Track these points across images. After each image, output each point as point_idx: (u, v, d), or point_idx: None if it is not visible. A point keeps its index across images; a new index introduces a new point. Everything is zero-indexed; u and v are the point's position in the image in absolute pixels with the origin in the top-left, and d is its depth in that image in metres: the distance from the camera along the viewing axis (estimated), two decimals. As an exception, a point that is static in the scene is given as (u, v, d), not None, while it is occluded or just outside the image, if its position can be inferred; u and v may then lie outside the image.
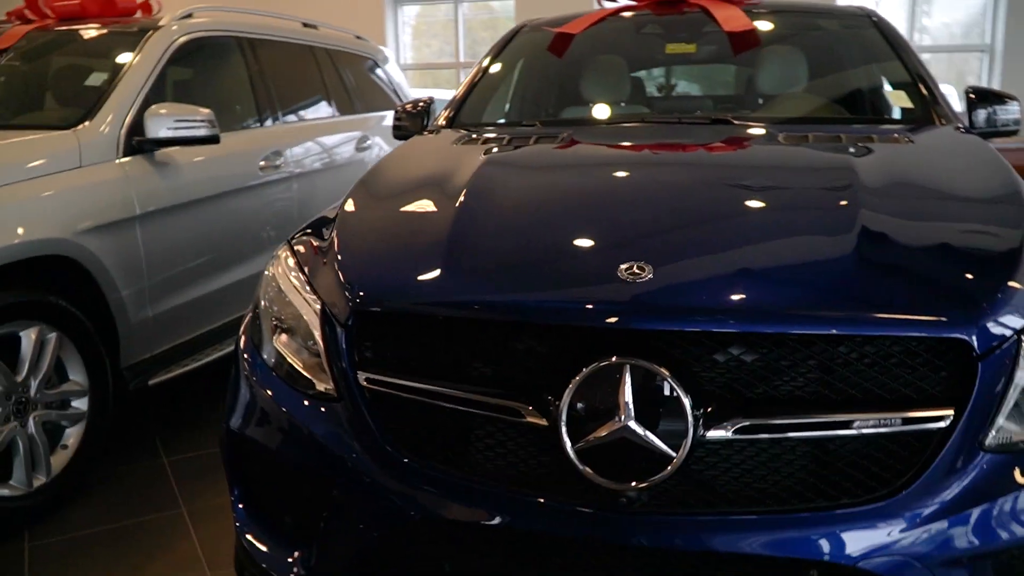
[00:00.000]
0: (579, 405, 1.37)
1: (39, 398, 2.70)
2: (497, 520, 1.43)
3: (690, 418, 1.33)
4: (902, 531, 1.32)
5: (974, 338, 1.34)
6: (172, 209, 3.21)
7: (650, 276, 1.45)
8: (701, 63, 3.25)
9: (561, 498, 1.40)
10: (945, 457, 1.33)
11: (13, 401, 2.62)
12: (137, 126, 3.13)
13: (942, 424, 1.34)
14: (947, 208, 1.77)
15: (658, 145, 2.33)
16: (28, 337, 2.64)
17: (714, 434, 1.34)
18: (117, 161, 3.04)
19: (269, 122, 4.01)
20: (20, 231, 2.60)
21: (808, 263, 1.50)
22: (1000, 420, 1.36)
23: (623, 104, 3.01)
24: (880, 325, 1.35)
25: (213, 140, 3.25)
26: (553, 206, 1.85)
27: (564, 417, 1.37)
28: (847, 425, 1.34)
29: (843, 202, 1.70)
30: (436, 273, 1.58)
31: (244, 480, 1.81)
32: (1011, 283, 1.44)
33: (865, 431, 1.34)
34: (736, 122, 2.48)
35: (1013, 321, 1.38)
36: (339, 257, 1.71)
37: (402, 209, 1.93)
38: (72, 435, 2.85)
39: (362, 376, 1.54)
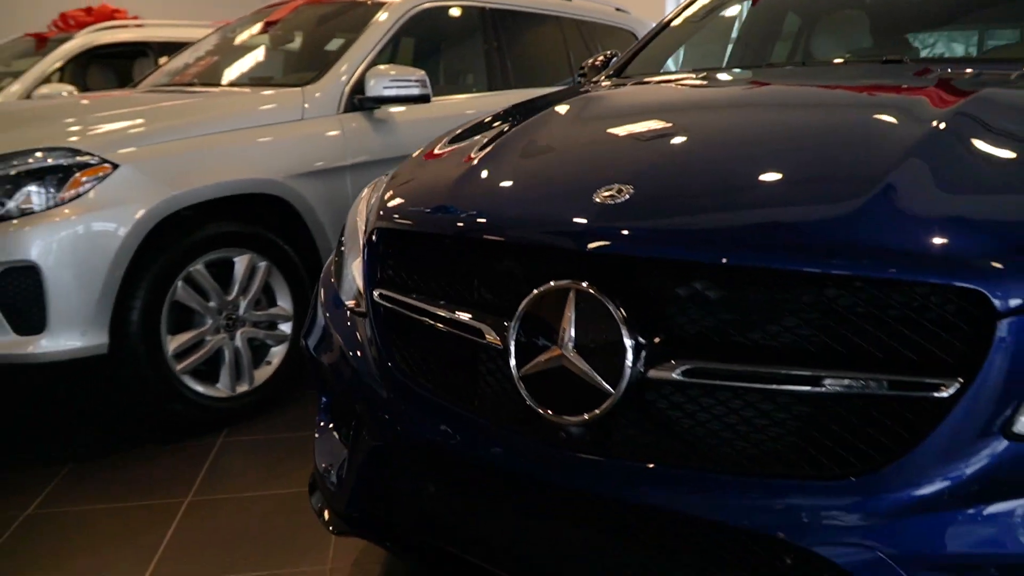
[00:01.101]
0: (527, 328, 1.30)
1: (247, 317, 3.13)
2: (462, 446, 1.41)
3: (629, 352, 1.20)
4: (870, 518, 1.07)
5: (995, 291, 1.04)
6: (381, 162, 3.50)
7: (623, 199, 1.32)
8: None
9: (512, 427, 1.34)
10: (938, 437, 1.05)
11: (223, 316, 3.06)
12: (360, 86, 3.47)
13: (942, 395, 1.06)
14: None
15: (770, 85, 2.07)
16: (241, 263, 3.07)
17: (658, 374, 1.20)
18: (336, 116, 3.39)
19: (498, 89, 4.19)
20: (241, 170, 3.02)
21: (814, 199, 1.26)
22: None
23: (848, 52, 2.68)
24: (877, 265, 1.10)
25: (424, 99, 3.50)
26: (584, 140, 1.75)
27: (513, 339, 1.31)
28: (819, 382, 1.11)
29: (893, 145, 1.37)
30: (440, 195, 1.59)
31: (319, 393, 1.96)
32: None
33: (840, 391, 1.10)
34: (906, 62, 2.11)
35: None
36: (386, 184, 1.78)
37: (460, 144, 1.94)
38: (276, 354, 3.26)
39: (376, 292, 1.60)
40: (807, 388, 1.12)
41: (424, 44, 4.07)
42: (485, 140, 1.84)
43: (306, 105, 3.32)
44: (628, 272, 1.24)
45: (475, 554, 1.44)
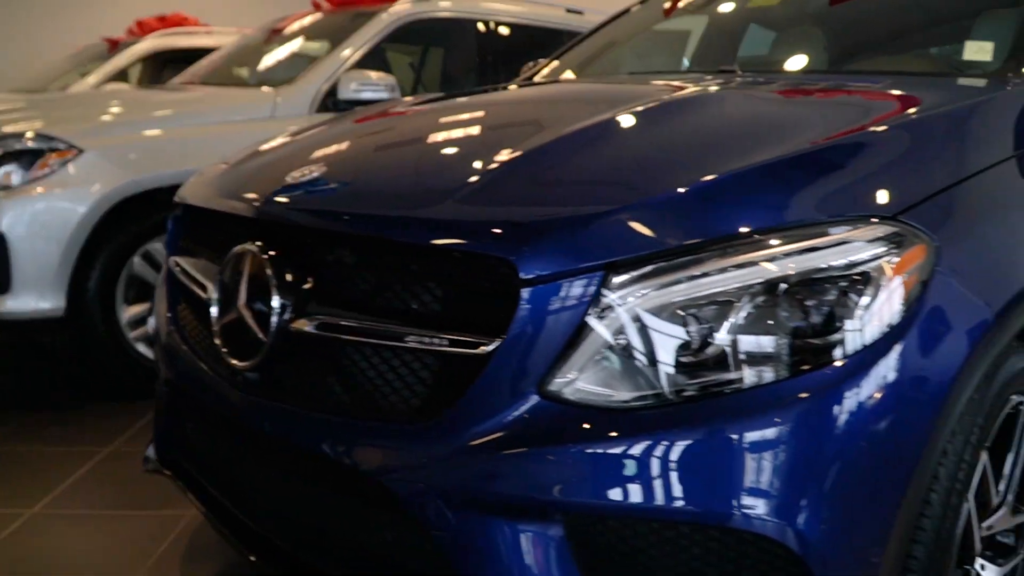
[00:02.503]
0: (227, 286, 1.50)
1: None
2: (197, 389, 1.62)
3: (276, 307, 1.38)
4: (424, 457, 1.21)
5: (520, 261, 1.16)
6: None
7: (295, 181, 1.52)
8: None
9: (217, 372, 1.54)
10: (478, 389, 1.18)
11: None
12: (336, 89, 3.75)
13: (481, 351, 1.18)
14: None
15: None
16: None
17: (298, 326, 1.37)
18: (307, 116, 3.68)
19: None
20: (201, 159, 3.32)
21: (419, 183, 1.46)
22: (571, 370, 1.16)
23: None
24: (427, 234, 1.27)
25: (391, 103, 3.74)
26: (332, 138, 1.93)
27: (215, 295, 1.51)
28: (402, 339, 1.26)
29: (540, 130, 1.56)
30: (219, 177, 1.81)
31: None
32: (594, 211, 1.22)
33: (416, 347, 1.25)
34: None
35: (587, 253, 1.16)
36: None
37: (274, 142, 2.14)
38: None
39: (172, 260, 1.84)
40: (393, 343, 1.27)
41: (415, 52, 4.32)
42: (284, 139, 2.06)
43: (277, 103, 3.62)
44: (284, 239, 1.43)
45: (215, 486, 1.65)
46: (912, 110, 1.55)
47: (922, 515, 1.22)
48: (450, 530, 1.18)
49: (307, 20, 4.50)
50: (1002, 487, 1.48)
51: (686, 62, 3.08)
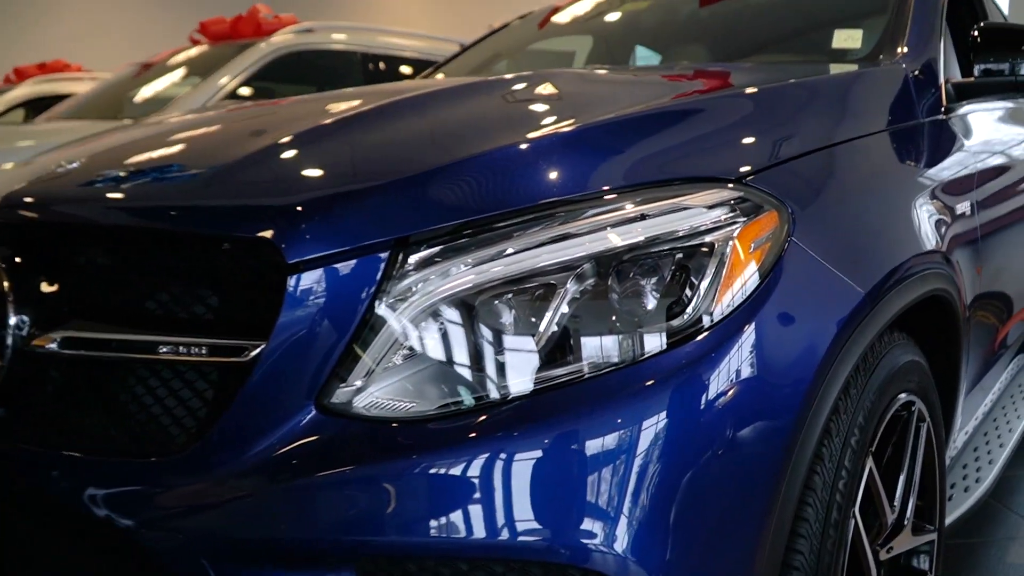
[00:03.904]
0: None
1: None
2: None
3: (13, 323, 1.11)
4: (181, 500, 0.95)
5: (284, 241, 0.93)
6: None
7: (57, 176, 1.27)
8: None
9: None
10: (241, 408, 0.93)
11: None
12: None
13: (245, 359, 0.94)
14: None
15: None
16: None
17: (40, 345, 1.10)
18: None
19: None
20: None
21: (186, 172, 1.20)
22: (357, 376, 0.93)
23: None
24: (180, 221, 1.03)
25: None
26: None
27: None
28: (155, 350, 1.01)
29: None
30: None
31: None
32: (379, 181, 1.01)
33: (174, 359, 0.99)
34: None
35: (369, 228, 0.94)
36: None
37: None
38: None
39: None
40: (149, 357, 1.01)
41: (293, 83, 4.12)
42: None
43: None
44: (29, 241, 1.17)
45: None
46: (766, 82, 1.40)
47: (796, 534, 1.01)
48: None
49: (183, 55, 4.27)
50: (897, 502, 1.29)
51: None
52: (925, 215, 1.36)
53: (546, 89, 1.46)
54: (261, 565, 0.93)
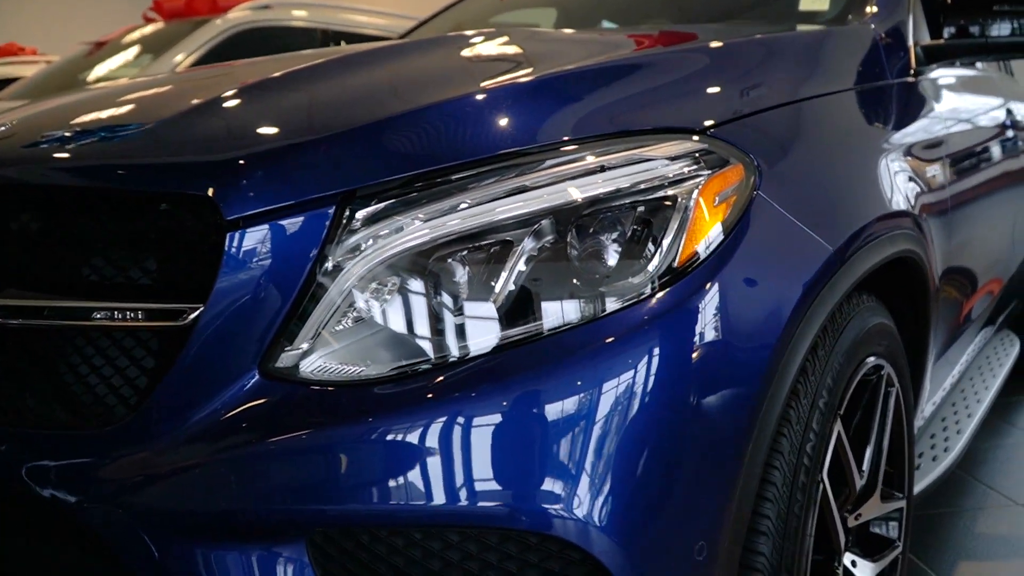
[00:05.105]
0: None
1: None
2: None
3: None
4: (119, 473, 0.90)
5: (221, 196, 0.87)
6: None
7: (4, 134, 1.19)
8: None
9: None
10: (178, 375, 0.88)
11: None
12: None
13: (182, 323, 0.88)
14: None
15: None
16: None
17: None
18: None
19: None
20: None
21: (123, 130, 1.13)
22: (304, 339, 0.87)
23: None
24: (114, 178, 0.97)
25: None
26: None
27: None
28: (89, 316, 0.94)
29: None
30: None
31: None
32: (322, 133, 0.96)
33: (109, 325, 0.93)
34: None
35: (313, 181, 0.89)
36: None
37: None
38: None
39: None
40: (84, 323, 0.95)
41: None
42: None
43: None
44: None
45: None
46: (732, 37, 1.36)
47: (763, 497, 0.98)
48: (156, 571, 0.87)
49: (136, 33, 4.15)
50: (866, 467, 1.27)
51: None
52: (894, 176, 1.33)
53: (506, 44, 1.41)
54: (206, 539, 0.87)
